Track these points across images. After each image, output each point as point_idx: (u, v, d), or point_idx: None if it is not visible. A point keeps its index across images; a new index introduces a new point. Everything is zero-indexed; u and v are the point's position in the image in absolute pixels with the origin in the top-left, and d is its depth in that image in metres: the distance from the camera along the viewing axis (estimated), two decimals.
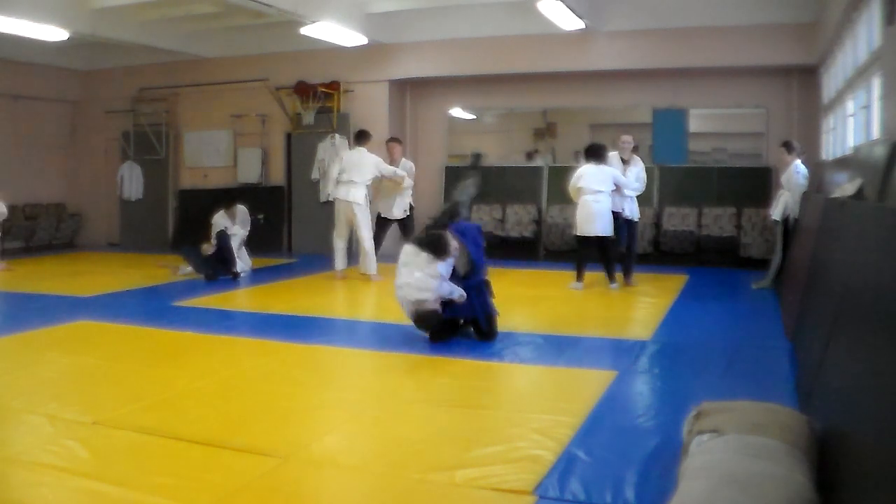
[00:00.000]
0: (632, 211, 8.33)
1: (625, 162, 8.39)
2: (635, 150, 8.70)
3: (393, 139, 9.76)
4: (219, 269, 9.02)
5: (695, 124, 10.98)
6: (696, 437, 2.85)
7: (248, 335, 6.07)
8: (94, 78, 13.33)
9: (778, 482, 2.37)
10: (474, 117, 12.44)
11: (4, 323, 6.45)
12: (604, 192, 7.98)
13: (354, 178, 8.76)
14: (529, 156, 11.93)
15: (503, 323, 5.98)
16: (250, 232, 9.93)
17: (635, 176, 8.33)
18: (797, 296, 5.69)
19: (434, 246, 5.38)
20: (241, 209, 9.80)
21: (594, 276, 8.30)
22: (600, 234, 7.99)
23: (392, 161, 9.40)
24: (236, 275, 9.06)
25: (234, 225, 9.61)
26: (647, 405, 4.21)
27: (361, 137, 9.07)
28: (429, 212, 11.55)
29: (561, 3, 8.89)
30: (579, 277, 8.14)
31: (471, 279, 5.64)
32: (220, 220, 9.58)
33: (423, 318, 5.41)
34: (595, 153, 8.17)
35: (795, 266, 6.67)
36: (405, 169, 9.38)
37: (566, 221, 11.07)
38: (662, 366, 5.10)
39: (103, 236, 13.63)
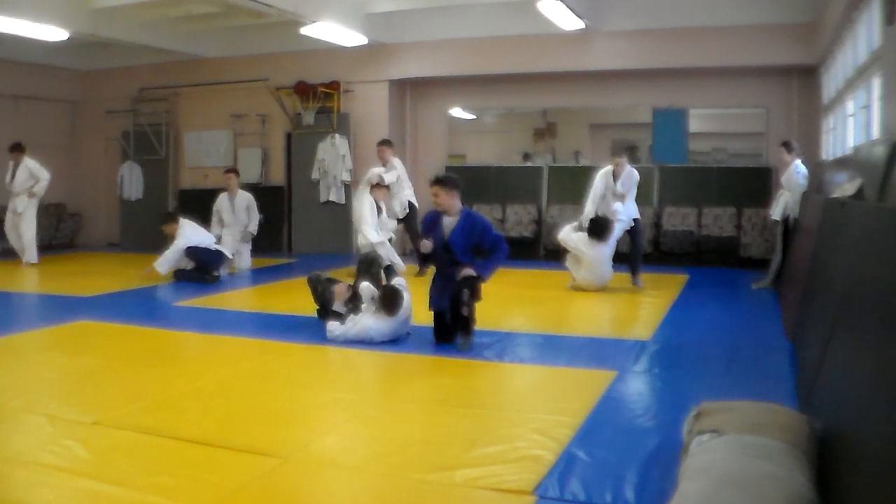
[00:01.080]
0: (628, 214, 8.25)
1: (616, 176, 8.26)
2: (632, 151, 8.60)
3: (381, 142, 9.75)
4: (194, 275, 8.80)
5: (695, 124, 10.98)
6: (696, 437, 2.85)
7: (248, 335, 6.06)
8: (94, 78, 13.33)
9: (778, 482, 2.37)
10: (474, 117, 12.45)
11: (4, 323, 6.44)
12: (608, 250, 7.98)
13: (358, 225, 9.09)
14: (526, 157, 11.92)
15: (504, 323, 5.98)
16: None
17: (630, 199, 8.24)
18: (797, 296, 5.69)
19: (387, 303, 5.54)
20: (245, 195, 9.91)
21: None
22: None
23: (383, 163, 9.45)
24: (215, 278, 8.90)
25: (232, 212, 9.71)
26: (647, 405, 4.21)
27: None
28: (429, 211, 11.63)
29: (561, 3, 8.90)
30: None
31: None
32: (221, 202, 9.80)
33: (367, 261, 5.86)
34: (599, 232, 7.88)
35: (795, 266, 6.67)
36: (397, 167, 9.48)
37: (566, 221, 11.08)
38: (662, 366, 5.10)
39: (103, 236, 13.63)
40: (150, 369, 4.91)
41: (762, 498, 2.29)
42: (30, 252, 10.30)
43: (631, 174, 8.31)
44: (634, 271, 8.29)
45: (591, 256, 7.90)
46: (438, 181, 5.60)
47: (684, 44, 10.06)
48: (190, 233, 8.87)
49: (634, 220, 8.32)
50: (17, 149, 10.36)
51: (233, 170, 10.13)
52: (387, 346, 5.50)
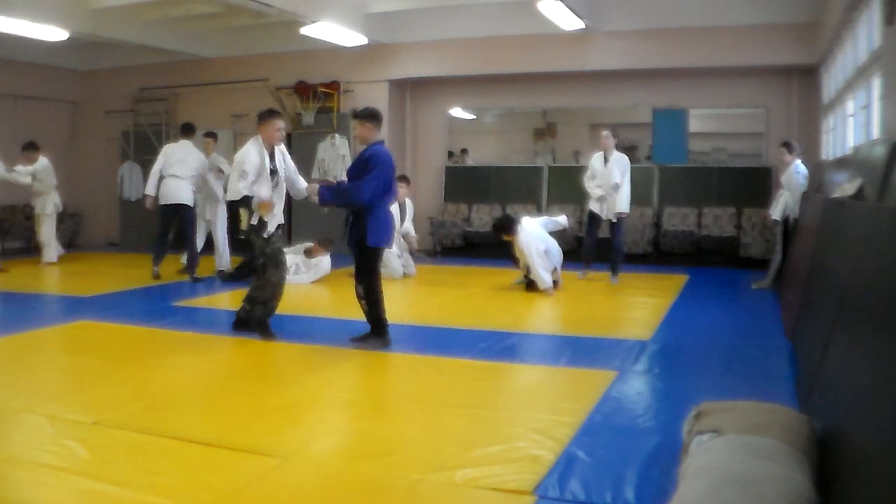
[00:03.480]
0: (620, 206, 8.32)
1: (606, 158, 8.36)
2: (632, 151, 8.60)
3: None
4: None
5: (695, 124, 10.98)
6: (696, 437, 2.85)
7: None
8: (94, 78, 13.33)
9: (778, 482, 2.37)
10: (474, 117, 12.44)
11: (4, 323, 6.44)
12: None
13: None
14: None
15: (503, 323, 5.97)
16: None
17: (623, 179, 8.29)
18: (797, 296, 5.69)
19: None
20: (217, 158, 9.80)
21: (596, 274, 8.29)
22: None
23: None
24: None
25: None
26: (647, 405, 4.21)
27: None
28: (428, 211, 11.66)
29: (561, 3, 8.89)
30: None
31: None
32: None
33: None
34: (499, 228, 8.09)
35: (795, 266, 6.67)
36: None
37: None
38: (662, 366, 5.10)
39: (103, 236, 13.63)
40: (150, 369, 4.91)
41: (762, 498, 2.29)
42: (48, 251, 10.41)
43: (622, 157, 8.43)
44: (613, 269, 8.35)
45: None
46: (353, 114, 5.52)
47: (684, 44, 10.05)
48: None
49: (619, 215, 8.36)
50: (32, 147, 10.25)
51: (211, 133, 9.94)
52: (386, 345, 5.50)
